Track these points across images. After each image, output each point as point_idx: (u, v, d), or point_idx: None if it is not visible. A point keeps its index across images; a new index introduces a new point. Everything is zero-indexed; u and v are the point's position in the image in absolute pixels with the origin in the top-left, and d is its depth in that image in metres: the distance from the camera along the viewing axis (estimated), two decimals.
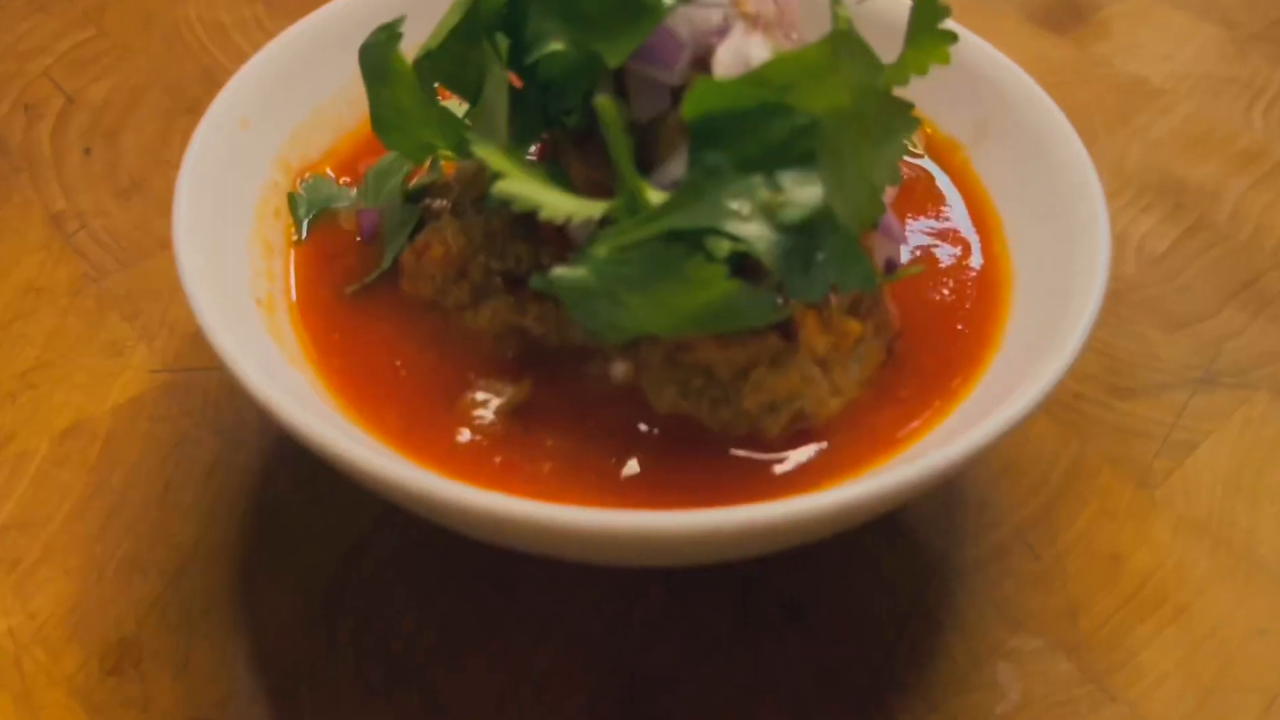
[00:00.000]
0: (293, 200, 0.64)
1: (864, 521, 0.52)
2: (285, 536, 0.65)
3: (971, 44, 0.69)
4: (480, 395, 0.56)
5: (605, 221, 0.51)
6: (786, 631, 0.63)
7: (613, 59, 0.52)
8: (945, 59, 0.55)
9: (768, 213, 0.49)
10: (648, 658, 0.61)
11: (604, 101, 0.50)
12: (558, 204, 0.51)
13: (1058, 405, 0.75)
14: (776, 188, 0.50)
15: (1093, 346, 0.78)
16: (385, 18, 0.59)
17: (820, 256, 0.50)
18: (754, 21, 0.57)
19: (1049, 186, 0.62)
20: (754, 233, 0.49)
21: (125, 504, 0.67)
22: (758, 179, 0.50)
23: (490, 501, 0.45)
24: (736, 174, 0.50)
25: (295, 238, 0.64)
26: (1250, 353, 0.79)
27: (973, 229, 0.65)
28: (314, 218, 0.65)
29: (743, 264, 0.50)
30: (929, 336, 0.60)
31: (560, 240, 0.57)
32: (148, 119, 0.93)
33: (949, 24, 0.53)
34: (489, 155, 0.52)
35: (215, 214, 0.58)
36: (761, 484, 0.53)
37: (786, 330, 0.54)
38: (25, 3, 1.03)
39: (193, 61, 0.99)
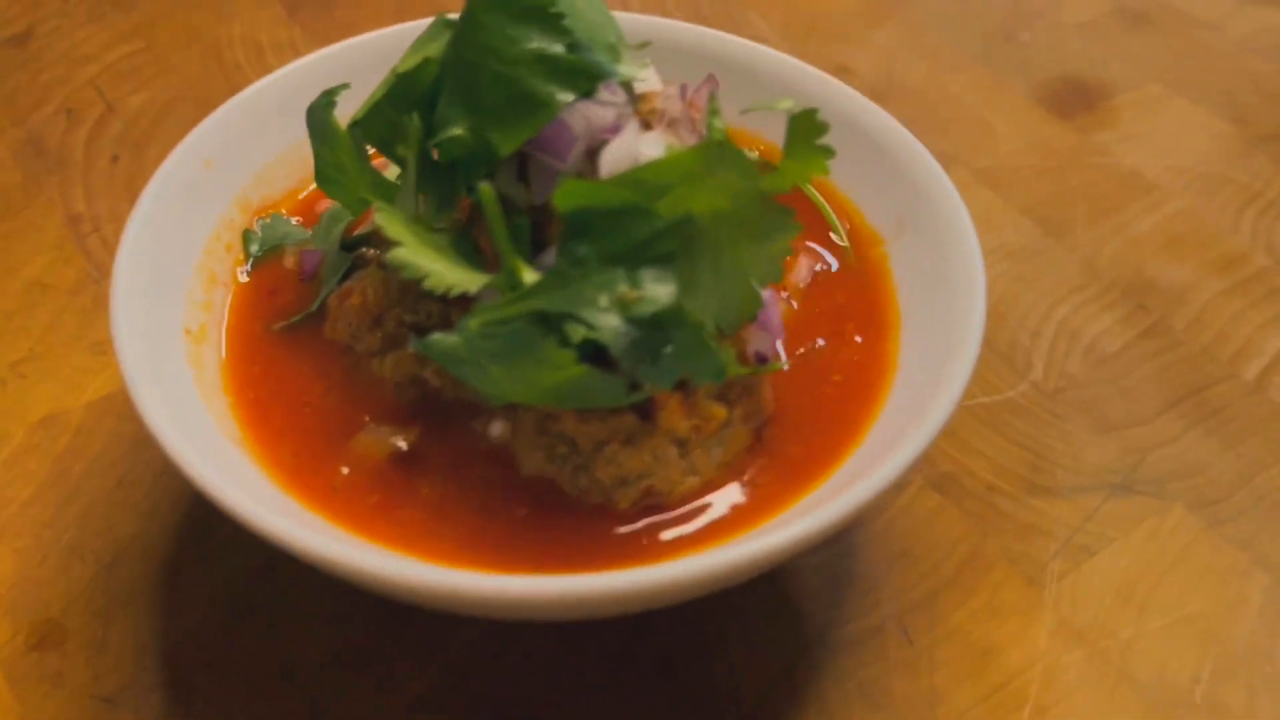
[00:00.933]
0: (246, 236, 0.70)
1: (693, 596, 0.55)
2: (213, 543, 0.71)
3: (898, 139, 0.71)
4: (370, 438, 0.61)
5: None
6: (655, 685, 0.66)
7: (503, 148, 0.56)
8: (824, 171, 0.58)
9: (622, 306, 0.53)
10: (518, 693, 0.65)
11: (485, 188, 0.54)
12: (442, 275, 0.56)
13: (969, 496, 0.77)
14: (635, 283, 0.54)
15: (1019, 442, 0.80)
16: (351, 76, 0.64)
17: (669, 349, 0.54)
18: (657, 118, 0.61)
19: (943, 289, 0.65)
20: (606, 323, 0.53)
21: (80, 494, 0.74)
22: (619, 273, 0.54)
23: (333, 550, 0.50)
24: (600, 266, 0.54)
25: (242, 273, 0.69)
26: (1176, 463, 0.80)
27: (872, 324, 0.68)
28: (263, 254, 0.70)
29: (599, 349, 0.54)
30: (803, 426, 0.64)
31: (465, 301, 0.62)
32: (175, 131, 1.00)
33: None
34: (387, 223, 0.57)
35: (161, 244, 0.64)
36: (609, 551, 0.57)
37: (645, 410, 0.58)
38: (85, 13, 1.12)
39: (225, 79, 1.07)
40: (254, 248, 0.70)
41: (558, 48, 0.56)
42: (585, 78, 0.57)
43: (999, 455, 0.79)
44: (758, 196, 0.57)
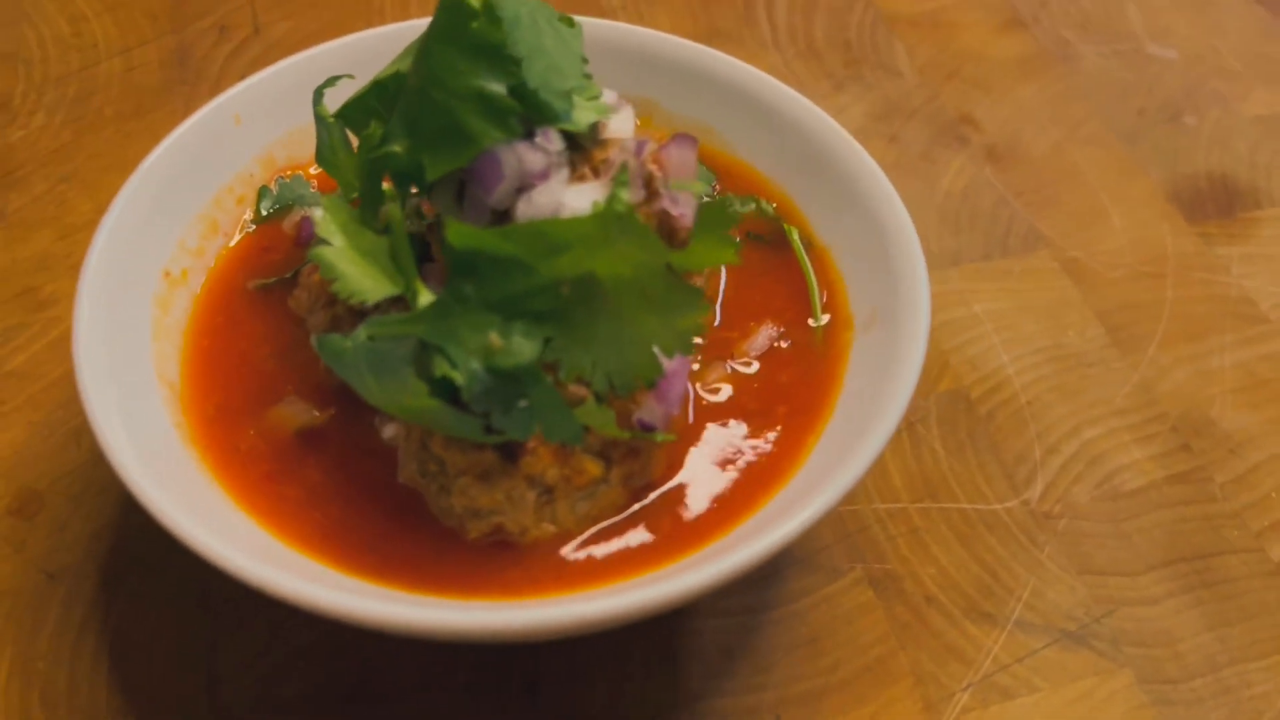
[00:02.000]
0: (261, 192, 0.76)
1: (500, 641, 0.57)
2: None
3: (896, 222, 0.68)
4: (286, 409, 0.65)
5: None
6: (521, 704, 0.69)
7: (431, 173, 0.58)
8: (734, 260, 0.57)
9: (486, 354, 0.55)
10: (377, 687, 0.68)
11: (392, 209, 0.57)
12: (349, 281, 0.59)
13: (903, 601, 0.74)
14: (505, 334, 0.55)
15: (981, 559, 0.77)
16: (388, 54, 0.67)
17: (523, 404, 0.55)
18: (605, 169, 0.61)
19: (873, 393, 0.62)
20: (466, 366, 0.55)
21: None
22: (493, 320, 0.55)
23: (183, 527, 0.54)
24: (479, 309, 0.55)
25: (248, 226, 0.75)
26: (1145, 627, 0.74)
27: (806, 411, 0.66)
28: (273, 213, 0.75)
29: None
30: (690, 496, 0.63)
31: (400, 305, 0.65)
32: None
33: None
34: (326, 218, 0.60)
35: (168, 186, 0.70)
36: (450, 574, 0.59)
37: (511, 451, 0.59)
38: None
39: (364, 20, 1.13)
40: (265, 204, 0.75)
41: (499, 88, 0.57)
42: (519, 121, 0.58)
43: (954, 567, 0.76)
44: (662, 271, 0.57)
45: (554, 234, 0.55)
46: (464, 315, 0.55)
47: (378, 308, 0.61)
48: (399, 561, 0.60)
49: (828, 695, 0.70)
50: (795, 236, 0.74)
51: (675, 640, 0.72)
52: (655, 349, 0.59)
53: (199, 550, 0.53)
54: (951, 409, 0.84)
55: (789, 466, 0.63)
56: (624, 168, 0.59)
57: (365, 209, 0.61)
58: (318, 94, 0.66)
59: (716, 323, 0.71)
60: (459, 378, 0.54)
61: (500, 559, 0.60)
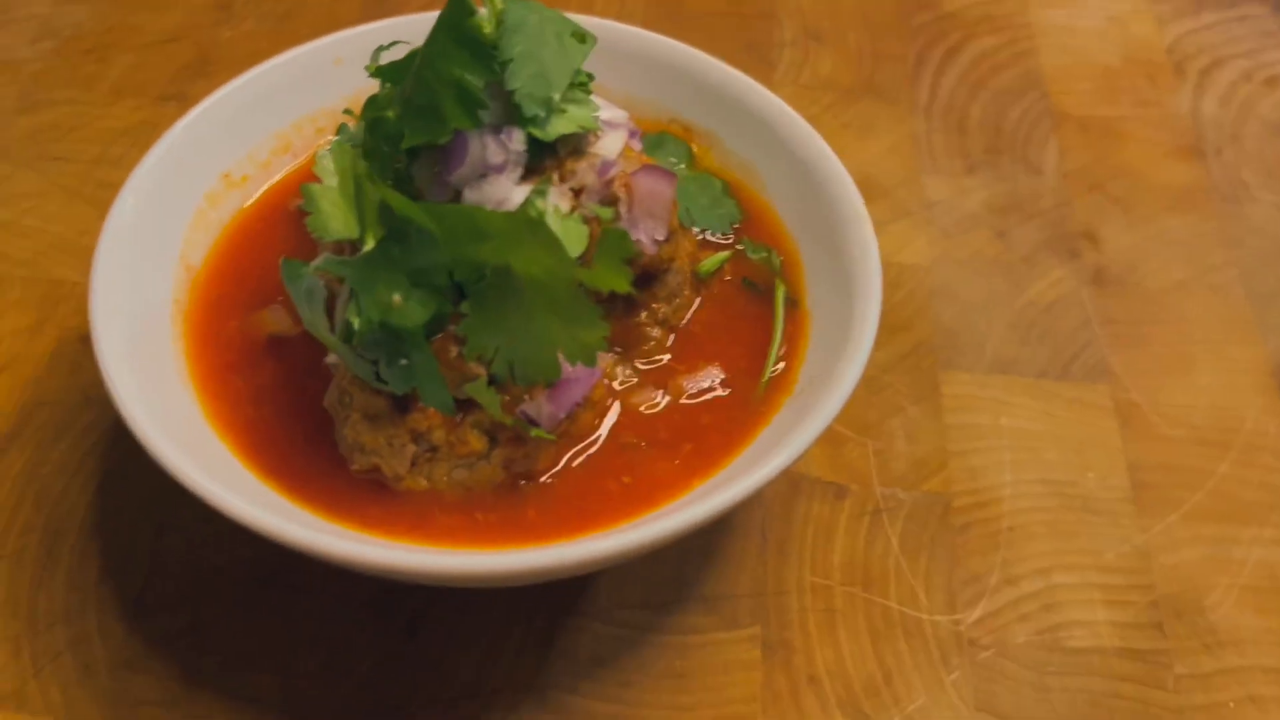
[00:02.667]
0: (340, 129, 0.84)
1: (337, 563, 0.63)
2: None
3: (859, 312, 0.69)
4: (269, 315, 0.74)
5: None
6: (399, 635, 0.75)
7: (406, 141, 0.64)
8: (624, 288, 0.61)
9: (384, 309, 0.61)
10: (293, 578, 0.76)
11: (361, 165, 0.63)
12: (322, 218, 0.66)
13: (785, 675, 0.75)
14: (406, 297, 0.61)
15: (880, 660, 0.76)
16: None
17: (404, 363, 0.61)
18: (566, 177, 0.65)
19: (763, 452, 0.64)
20: (366, 315, 0.61)
21: None
22: (403, 283, 0.61)
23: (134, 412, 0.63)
24: (397, 270, 0.61)
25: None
26: None
27: (707, 458, 0.68)
28: None
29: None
30: (561, 498, 0.67)
31: None
32: None
33: None
34: (330, 157, 0.68)
35: (255, 102, 0.79)
36: (332, 496, 0.66)
37: (404, 402, 0.65)
38: None
39: None
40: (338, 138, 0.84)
41: (476, 81, 0.62)
42: (487, 116, 0.63)
43: (852, 658, 0.76)
44: (569, 282, 0.61)
45: (477, 221, 0.60)
46: (383, 272, 0.61)
47: (349, 248, 0.68)
48: (295, 472, 0.67)
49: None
50: (780, 294, 0.75)
51: (556, 631, 0.75)
52: (559, 353, 0.63)
53: (124, 415, 0.62)
54: (926, 510, 0.83)
55: (663, 498, 0.66)
56: (548, 178, 0.63)
57: (370, 162, 0.68)
58: (376, 53, 0.73)
59: (667, 351, 0.73)
60: (355, 323, 0.60)
61: (374, 496, 0.66)
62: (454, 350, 0.63)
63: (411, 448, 0.65)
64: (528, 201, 0.60)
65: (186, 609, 0.75)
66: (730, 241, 0.80)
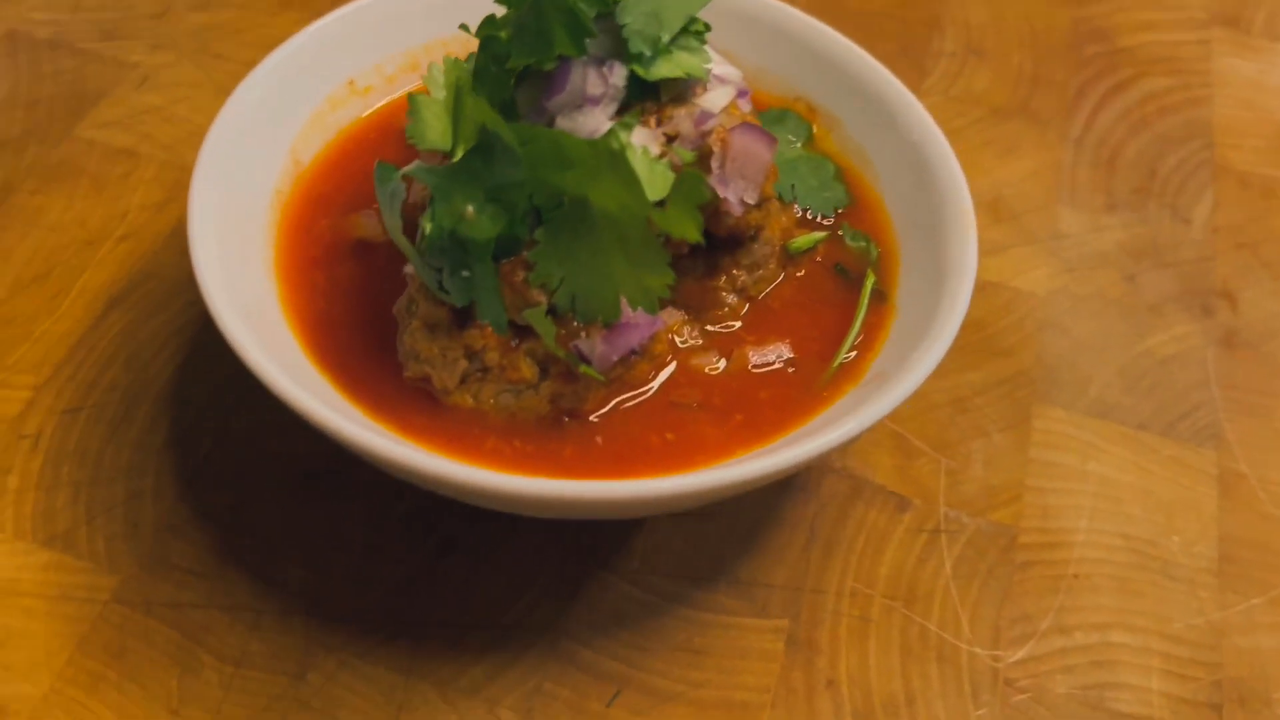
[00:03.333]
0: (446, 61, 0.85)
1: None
2: None
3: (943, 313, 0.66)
4: (361, 219, 0.75)
5: None
6: (428, 553, 0.75)
7: (513, 60, 0.65)
8: (694, 236, 0.59)
9: (456, 218, 0.61)
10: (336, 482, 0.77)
11: (463, 75, 0.64)
12: (419, 126, 0.67)
13: (803, 673, 0.72)
14: (480, 210, 0.61)
15: (905, 680, 0.73)
16: None
17: (465, 274, 0.61)
18: (662, 121, 0.65)
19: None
20: (438, 223, 0.61)
21: None
22: (479, 195, 0.61)
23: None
24: (477, 184, 0.62)
25: None
26: None
27: (754, 430, 0.66)
28: None
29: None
30: (606, 444, 0.66)
31: None
32: None
33: None
34: (432, 71, 0.69)
35: (391, 20, 0.81)
36: (381, 400, 0.67)
37: (463, 317, 0.65)
38: None
39: None
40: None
41: (587, 9, 0.62)
42: (593, 46, 0.63)
43: (876, 672, 0.73)
44: (641, 223, 0.60)
45: (561, 147, 0.60)
46: (463, 183, 0.62)
47: (442, 160, 0.69)
48: (351, 370, 0.68)
49: (676, 703, 0.70)
50: (869, 285, 0.72)
51: (584, 582, 0.75)
52: (622, 296, 0.62)
53: (201, 283, 0.64)
54: (989, 539, 0.79)
55: (702, 460, 0.64)
56: (637, 114, 0.62)
57: (478, 80, 0.69)
58: None
59: (739, 319, 0.72)
60: (430, 230, 0.61)
61: (421, 406, 0.67)
62: (521, 275, 0.63)
63: (464, 363, 0.65)
64: (610, 133, 0.60)
65: (235, 488, 0.77)
66: (831, 224, 0.78)
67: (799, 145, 0.81)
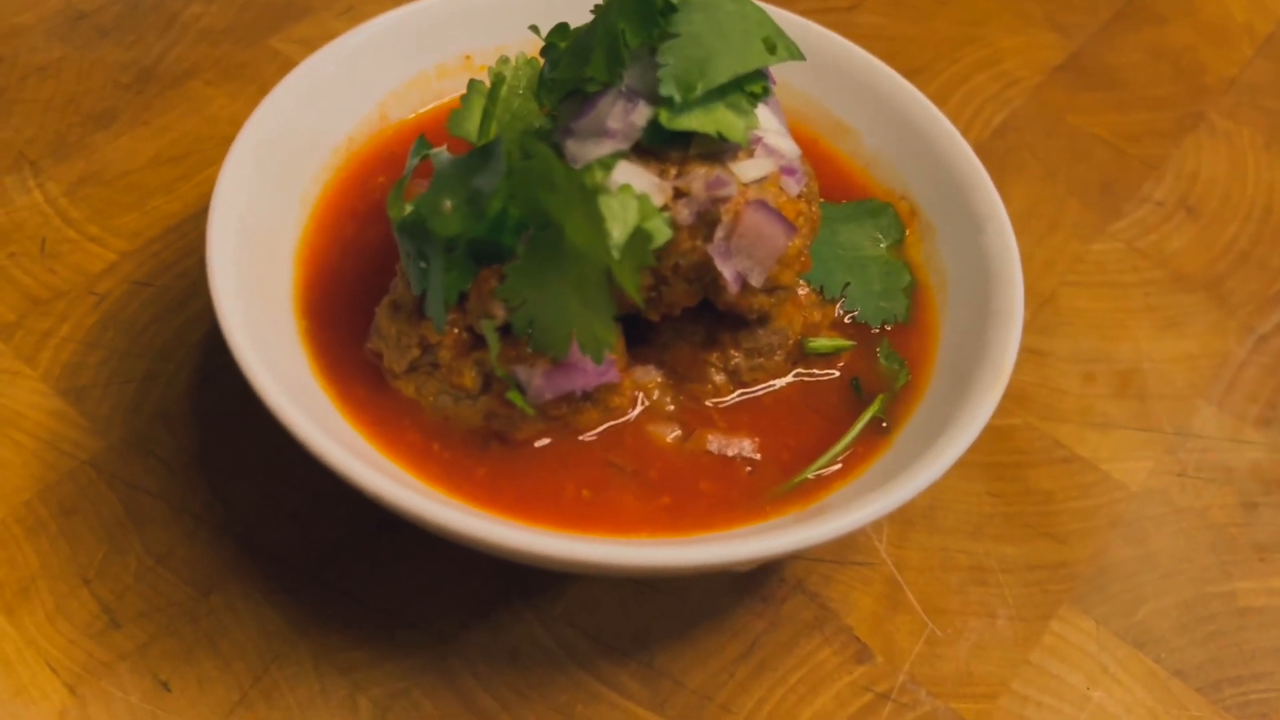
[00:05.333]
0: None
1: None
2: None
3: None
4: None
5: None
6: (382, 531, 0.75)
7: (559, 72, 0.63)
8: (633, 293, 0.56)
9: (434, 209, 0.60)
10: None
11: (497, 75, 0.63)
12: (463, 116, 0.67)
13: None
14: (456, 209, 0.60)
15: None
16: None
17: (423, 265, 0.60)
18: (671, 177, 0.61)
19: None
20: (418, 208, 0.61)
21: None
22: (463, 196, 0.60)
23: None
24: (472, 177, 0.61)
25: None
26: None
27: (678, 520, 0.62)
28: None
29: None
30: (544, 484, 0.63)
31: None
32: None
33: None
34: (500, 63, 0.68)
35: (490, 11, 0.80)
36: (347, 380, 0.67)
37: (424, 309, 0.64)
38: None
39: None
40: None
41: (633, 39, 0.59)
42: (631, 78, 0.60)
43: None
44: (600, 268, 0.57)
45: (550, 170, 0.57)
46: (455, 178, 0.61)
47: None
48: (332, 325, 0.69)
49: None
50: (871, 411, 0.66)
51: (498, 606, 0.72)
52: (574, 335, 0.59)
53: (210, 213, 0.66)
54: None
55: (602, 529, 0.60)
56: (625, 154, 0.59)
57: (539, 87, 0.67)
58: None
59: (720, 398, 0.67)
60: (405, 210, 0.60)
61: (368, 380, 0.66)
62: (493, 284, 0.61)
63: (415, 352, 0.64)
64: (588, 168, 0.57)
65: (240, 402, 0.78)
66: (875, 334, 0.71)
67: (884, 245, 0.75)
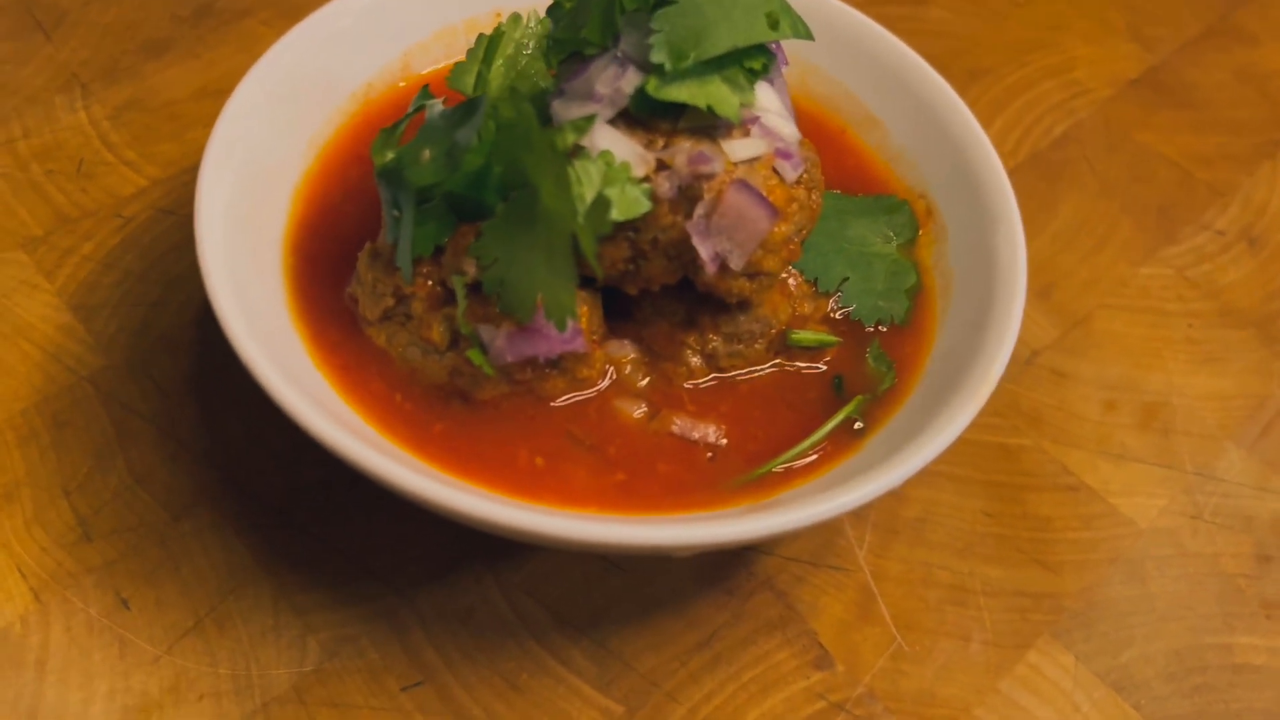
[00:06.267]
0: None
1: None
2: None
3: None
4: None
5: None
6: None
7: (556, 34, 0.62)
8: (590, 256, 0.54)
9: (412, 158, 0.59)
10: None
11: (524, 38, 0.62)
12: (464, 70, 0.66)
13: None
14: (434, 159, 0.59)
15: None
16: None
17: (396, 214, 0.60)
18: (657, 148, 0.59)
19: None
20: (398, 156, 0.60)
21: None
22: (444, 148, 0.59)
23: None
24: (450, 134, 0.60)
25: None
26: None
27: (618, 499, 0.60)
28: None
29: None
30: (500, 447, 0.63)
31: None
32: None
33: None
34: (509, 22, 0.67)
35: None
36: (319, 318, 0.68)
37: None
38: None
39: None
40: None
41: (630, 4, 0.58)
42: (627, 44, 0.59)
43: None
44: (566, 232, 0.56)
45: (530, 130, 0.56)
46: (439, 131, 0.60)
47: None
48: (321, 265, 0.69)
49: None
50: (847, 411, 0.64)
51: (460, 566, 0.72)
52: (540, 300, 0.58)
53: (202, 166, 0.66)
54: None
55: (552, 500, 0.59)
56: (594, 116, 0.57)
57: (547, 45, 0.66)
58: None
59: (694, 381, 0.65)
60: (387, 156, 0.60)
61: (343, 324, 0.66)
62: (470, 239, 0.61)
63: (389, 301, 0.64)
64: (560, 129, 0.55)
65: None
66: (868, 332, 0.69)
67: (895, 243, 0.72)
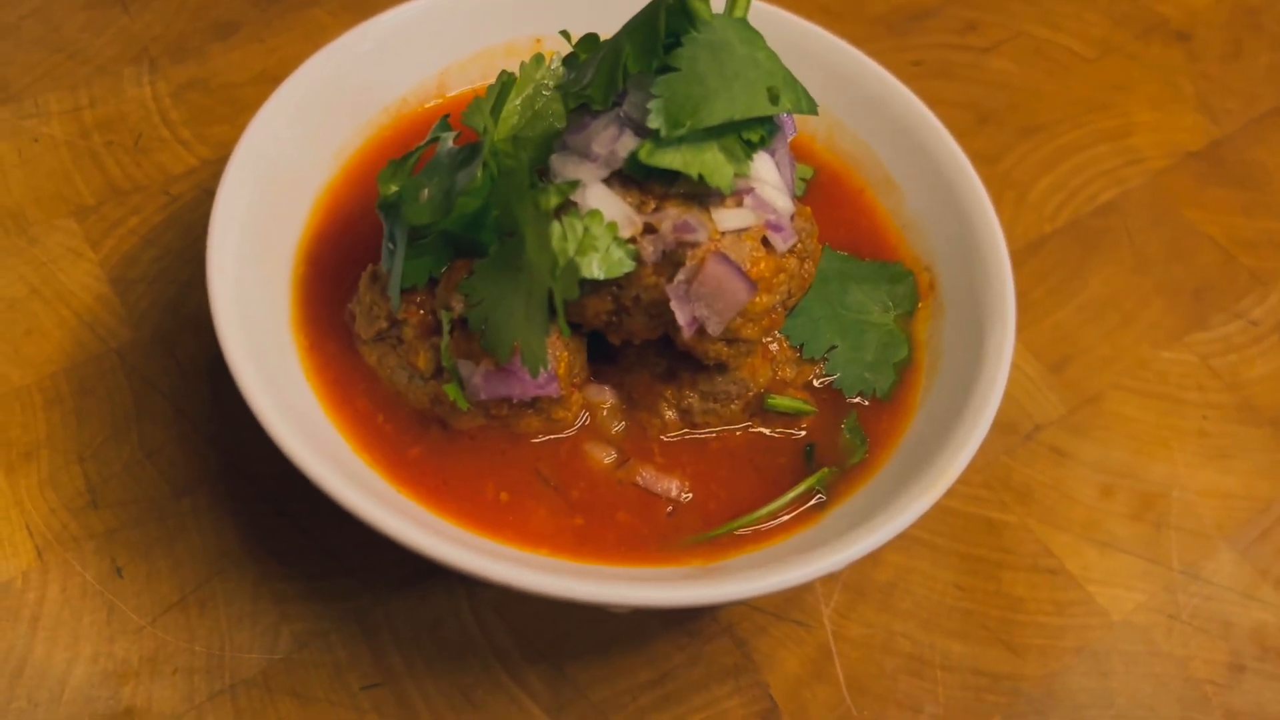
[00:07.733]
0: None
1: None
2: None
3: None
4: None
5: None
6: None
7: (565, 86, 0.63)
8: (559, 305, 0.56)
9: (413, 194, 0.62)
10: None
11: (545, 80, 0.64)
12: (479, 106, 0.67)
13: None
14: (432, 198, 0.61)
15: None
16: None
17: (391, 246, 0.62)
18: (647, 211, 0.61)
19: None
20: (402, 190, 0.63)
21: None
22: (444, 187, 0.62)
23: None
24: (452, 174, 0.62)
25: None
26: None
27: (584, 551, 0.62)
28: None
29: None
30: (468, 482, 0.65)
31: None
32: None
33: None
34: (534, 61, 0.69)
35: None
36: (317, 330, 0.70)
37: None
38: None
39: None
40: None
41: (634, 66, 0.59)
42: (630, 107, 0.60)
43: None
44: (544, 286, 0.58)
45: (522, 182, 0.58)
46: (445, 169, 0.62)
47: None
48: (331, 274, 0.72)
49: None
50: (810, 483, 0.65)
51: (433, 579, 0.75)
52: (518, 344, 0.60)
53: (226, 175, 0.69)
54: None
55: (511, 538, 0.62)
56: (576, 182, 0.58)
57: (563, 90, 0.68)
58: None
59: (668, 435, 0.67)
60: (391, 189, 0.62)
61: (340, 340, 0.69)
62: (462, 276, 0.63)
63: (382, 324, 0.66)
64: (542, 189, 0.57)
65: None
66: (849, 403, 0.69)
67: (893, 313, 0.73)
